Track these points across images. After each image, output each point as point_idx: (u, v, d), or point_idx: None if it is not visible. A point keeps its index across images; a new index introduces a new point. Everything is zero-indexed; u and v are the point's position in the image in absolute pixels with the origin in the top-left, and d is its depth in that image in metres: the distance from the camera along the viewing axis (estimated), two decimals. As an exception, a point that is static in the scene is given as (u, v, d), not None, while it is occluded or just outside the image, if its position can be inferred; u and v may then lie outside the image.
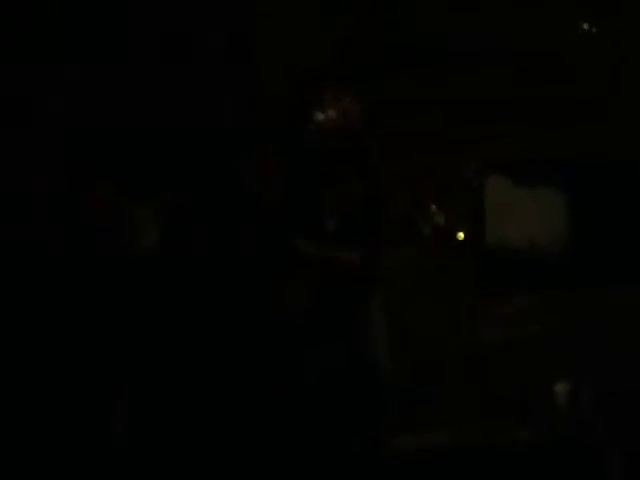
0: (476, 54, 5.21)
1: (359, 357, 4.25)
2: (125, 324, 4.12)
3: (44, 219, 4.28)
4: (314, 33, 4.82)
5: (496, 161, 5.24)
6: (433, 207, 4.36)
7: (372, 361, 4.29)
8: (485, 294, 5.20)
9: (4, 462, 4.01)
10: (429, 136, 5.14)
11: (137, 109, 4.44)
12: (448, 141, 5.15)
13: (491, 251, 5.28)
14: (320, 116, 4.31)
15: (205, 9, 4.64)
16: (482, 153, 5.18)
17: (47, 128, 4.38)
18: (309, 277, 4.21)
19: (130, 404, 4.05)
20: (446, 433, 4.41)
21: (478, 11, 5.22)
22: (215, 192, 4.29)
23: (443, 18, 5.17)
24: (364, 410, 4.21)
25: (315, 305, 4.20)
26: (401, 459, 4.54)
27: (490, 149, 5.18)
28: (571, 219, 5.37)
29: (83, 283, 4.11)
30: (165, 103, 4.50)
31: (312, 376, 4.19)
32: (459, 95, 5.17)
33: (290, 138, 4.38)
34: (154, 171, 4.29)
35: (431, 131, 5.15)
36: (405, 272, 5.11)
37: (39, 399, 4.03)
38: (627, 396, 5.13)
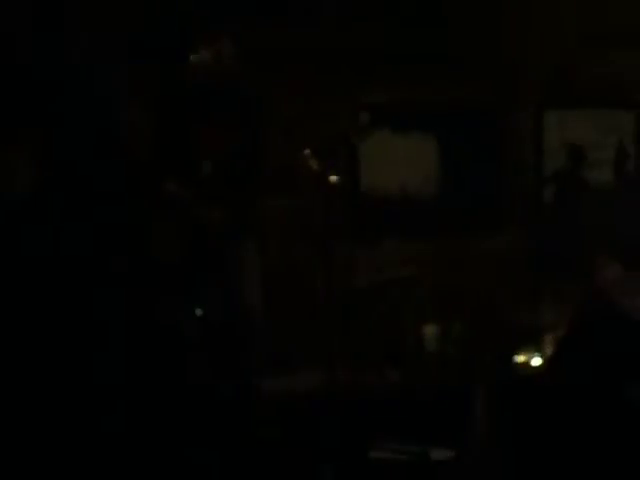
0: (350, 5, 5.23)
1: (233, 302, 4.27)
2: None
3: None
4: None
5: (371, 108, 5.29)
6: (307, 152, 4.37)
7: (246, 306, 4.32)
8: (358, 239, 5.27)
9: None
10: (304, 83, 5.16)
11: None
12: (323, 88, 5.17)
13: (364, 197, 5.35)
14: (195, 57, 4.27)
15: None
16: (356, 100, 5.22)
17: None
18: (182, 222, 4.20)
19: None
20: (318, 375, 4.48)
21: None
22: (87, 138, 4.22)
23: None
24: (237, 354, 4.25)
25: (188, 250, 4.19)
26: (274, 401, 4.61)
27: (364, 96, 5.23)
28: (442, 166, 5.47)
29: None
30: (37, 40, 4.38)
31: (187, 321, 4.19)
32: (335, 44, 5.19)
33: (166, 80, 4.33)
34: (23, 109, 4.18)
35: (307, 78, 5.16)
36: (279, 217, 5.14)
37: None
38: (492, 336, 5.31)
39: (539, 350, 5.35)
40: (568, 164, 5.62)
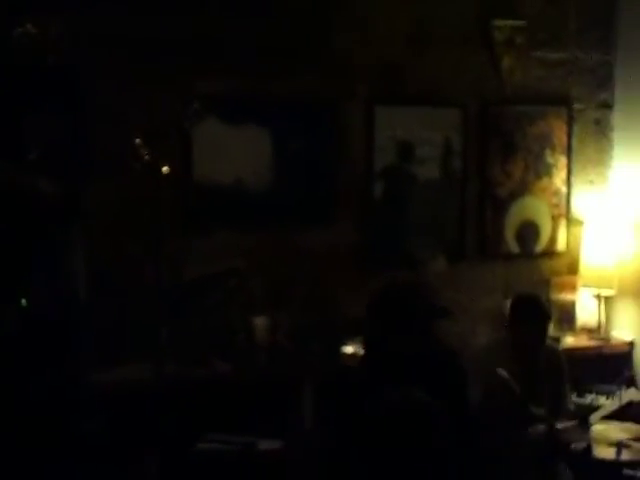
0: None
1: (56, 291, 4.18)
2: None
3: None
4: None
5: (205, 98, 5.26)
6: (138, 141, 4.32)
7: (70, 295, 4.23)
8: (190, 230, 5.25)
9: None
10: (139, 70, 5.09)
11: None
12: (157, 76, 5.12)
13: (197, 188, 5.32)
14: (21, 39, 4.16)
15: None
16: (191, 89, 5.19)
17: None
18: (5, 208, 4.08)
19: None
20: (147, 368, 4.43)
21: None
22: None
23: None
24: (61, 345, 4.17)
25: (11, 238, 4.08)
26: (100, 393, 4.56)
27: (199, 86, 5.20)
28: (276, 159, 5.50)
29: None
30: None
31: (9, 312, 4.09)
32: (168, 33, 5.14)
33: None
34: None
35: (141, 65, 5.09)
36: (108, 207, 5.06)
37: None
38: (321, 327, 5.38)
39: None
40: (397, 160, 5.74)
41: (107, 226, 5.07)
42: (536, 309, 4.88)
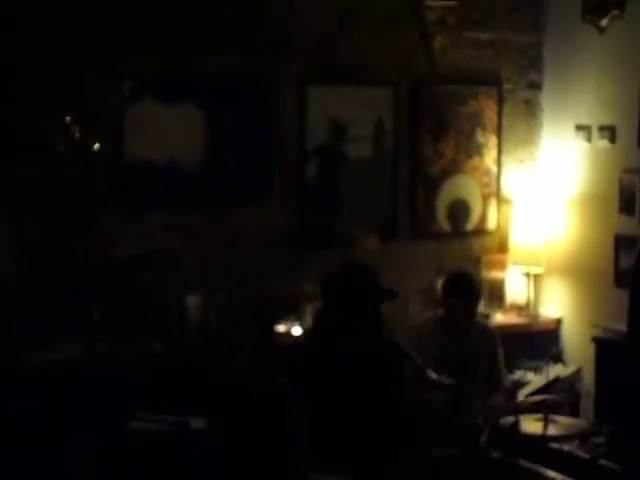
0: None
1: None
2: None
3: None
4: None
5: (137, 77, 5.24)
6: (68, 119, 4.29)
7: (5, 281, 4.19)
8: (123, 209, 5.22)
9: None
10: (66, 50, 5.03)
11: None
12: (88, 55, 5.07)
13: (129, 167, 5.29)
14: None
15: None
16: (123, 68, 5.15)
17: None
18: None
19: None
20: (79, 346, 4.42)
21: None
22: None
23: None
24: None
25: None
26: (33, 372, 4.55)
27: (131, 65, 5.17)
28: (209, 138, 5.48)
29: None
30: None
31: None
32: (99, 13, 5.09)
33: None
34: None
35: (69, 46, 5.03)
36: (41, 185, 5.02)
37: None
38: (254, 306, 5.41)
39: (299, 319, 5.50)
40: (330, 139, 5.76)
41: (38, 205, 5.02)
42: (464, 284, 4.97)
